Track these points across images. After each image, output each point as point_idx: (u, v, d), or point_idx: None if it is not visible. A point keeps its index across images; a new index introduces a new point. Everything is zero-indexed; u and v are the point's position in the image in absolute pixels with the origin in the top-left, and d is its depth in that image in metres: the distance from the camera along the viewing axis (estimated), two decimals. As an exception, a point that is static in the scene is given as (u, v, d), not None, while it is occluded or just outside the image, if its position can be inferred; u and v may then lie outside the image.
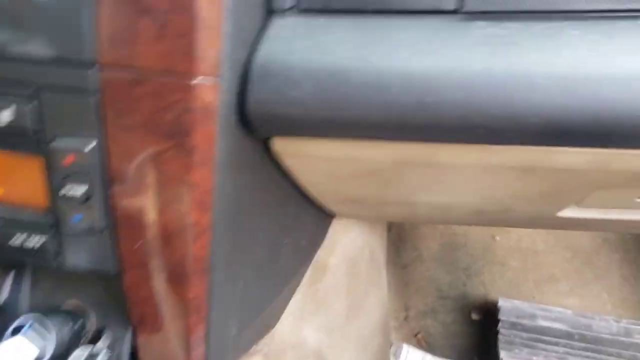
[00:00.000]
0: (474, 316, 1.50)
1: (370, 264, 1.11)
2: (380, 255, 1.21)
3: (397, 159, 0.61)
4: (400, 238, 1.61)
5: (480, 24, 0.53)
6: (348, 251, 0.99)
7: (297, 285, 0.87)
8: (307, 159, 0.62)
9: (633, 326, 1.38)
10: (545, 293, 1.53)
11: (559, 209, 0.76)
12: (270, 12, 0.55)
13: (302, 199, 0.78)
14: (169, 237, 0.55)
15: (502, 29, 0.52)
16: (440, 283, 1.55)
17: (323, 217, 0.90)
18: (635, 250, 1.57)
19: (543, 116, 0.50)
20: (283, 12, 0.54)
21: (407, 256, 1.58)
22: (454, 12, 0.53)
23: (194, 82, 0.48)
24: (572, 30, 0.52)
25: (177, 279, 0.57)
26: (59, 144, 0.52)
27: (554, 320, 1.38)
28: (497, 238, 1.59)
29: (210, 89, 0.49)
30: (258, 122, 0.53)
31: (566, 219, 0.80)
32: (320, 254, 0.92)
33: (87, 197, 0.53)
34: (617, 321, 1.39)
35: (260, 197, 0.66)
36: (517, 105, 0.50)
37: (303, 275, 0.89)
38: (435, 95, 0.51)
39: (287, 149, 0.60)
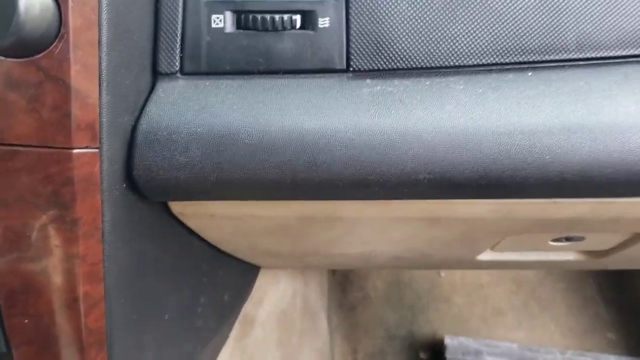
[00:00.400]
0: (422, 355, 1.48)
1: (304, 314, 1.09)
2: (317, 302, 1.20)
3: (300, 216, 0.61)
4: (346, 278, 1.60)
5: (369, 82, 0.53)
6: (278, 302, 0.98)
7: (223, 342, 0.85)
8: (209, 218, 0.61)
9: (578, 357, 1.39)
10: (492, 327, 1.53)
11: (477, 254, 0.77)
12: (157, 75, 0.54)
13: (220, 253, 0.76)
14: (59, 310, 0.52)
15: (390, 87, 0.52)
16: (388, 323, 1.54)
17: (248, 269, 0.88)
18: (578, 280, 1.59)
19: (433, 172, 0.51)
20: (170, 75, 0.54)
21: (354, 297, 1.57)
22: (343, 71, 0.54)
23: (72, 154, 0.47)
24: (457, 85, 0.52)
25: (72, 353, 0.54)
26: None
27: (500, 355, 1.38)
28: (442, 274, 1.59)
29: (91, 159, 0.48)
30: (147, 188, 0.52)
31: (487, 261, 0.80)
32: (247, 307, 0.90)
33: (-36, 277, 0.50)
34: (562, 353, 1.40)
35: (166, 260, 0.64)
36: (406, 162, 0.50)
37: (229, 331, 0.86)
38: (326, 154, 0.50)
39: (185, 210, 0.59)
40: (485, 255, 0.77)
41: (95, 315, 0.54)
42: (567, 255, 0.80)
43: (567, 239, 0.72)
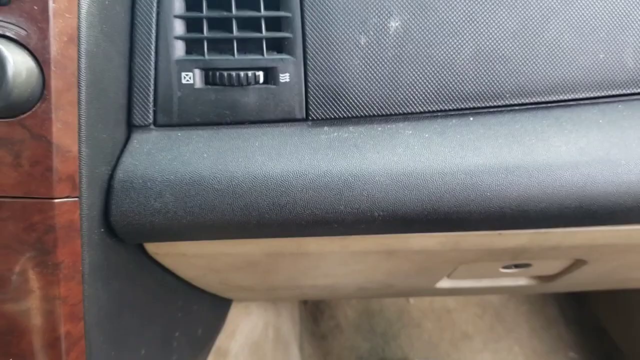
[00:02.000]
0: (394, 381, 1.52)
1: (276, 344, 1.13)
2: (289, 332, 1.23)
3: (267, 252, 0.65)
4: (317, 308, 1.63)
5: (327, 129, 0.58)
6: (250, 334, 1.01)
7: (198, 374, 0.88)
8: (182, 257, 0.65)
9: (542, 377, 1.44)
10: (460, 351, 1.58)
11: (435, 282, 0.82)
12: (132, 127, 0.58)
13: (193, 289, 0.80)
14: (42, 349, 0.56)
15: (346, 133, 0.58)
16: (360, 351, 1.57)
17: (220, 302, 0.92)
18: (540, 302, 1.65)
19: (385, 209, 0.56)
20: (144, 127, 0.58)
21: (325, 326, 1.61)
22: (303, 120, 0.59)
23: (54, 203, 0.51)
24: (406, 130, 0.58)
25: (54, 390, 0.57)
26: None
27: (468, 378, 1.42)
28: (412, 300, 1.64)
29: (71, 208, 0.52)
30: (123, 232, 0.56)
31: (445, 289, 0.85)
32: (220, 339, 0.93)
33: (-49, 320, 0.54)
34: (527, 373, 1.45)
35: (143, 297, 0.68)
36: (361, 201, 0.55)
37: (203, 364, 0.90)
38: (288, 196, 0.55)
39: (159, 250, 0.63)
40: (444, 283, 0.82)
41: (76, 353, 0.57)
42: (519, 280, 0.86)
43: (516, 266, 0.77)
